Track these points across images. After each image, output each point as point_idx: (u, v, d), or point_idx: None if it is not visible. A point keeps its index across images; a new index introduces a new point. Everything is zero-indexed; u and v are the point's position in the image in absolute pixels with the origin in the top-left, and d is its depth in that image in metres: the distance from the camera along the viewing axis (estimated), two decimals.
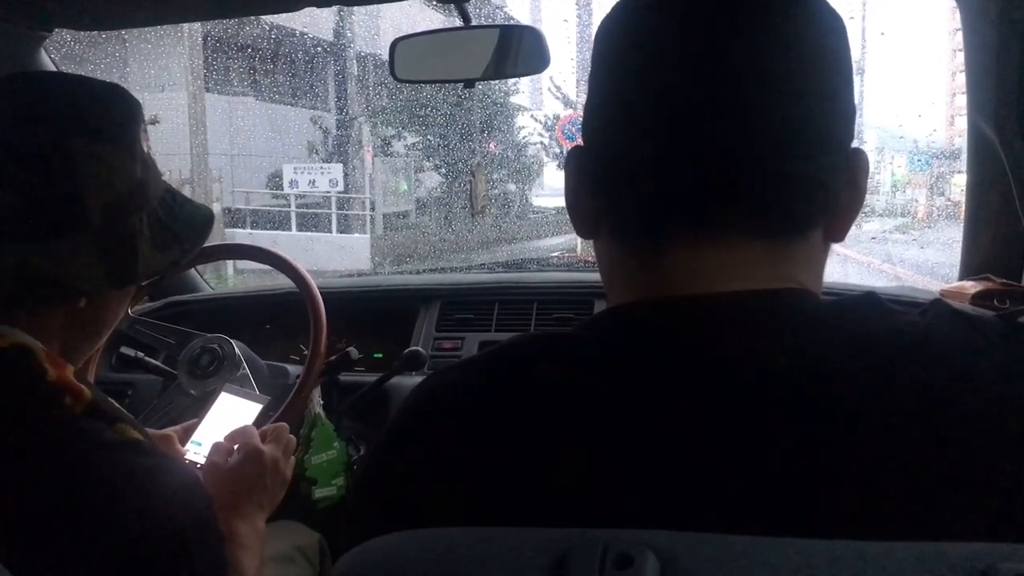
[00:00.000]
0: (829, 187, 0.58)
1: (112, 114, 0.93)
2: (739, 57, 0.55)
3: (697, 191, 0.56)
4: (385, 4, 1.42)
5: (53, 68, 1.55)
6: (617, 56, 0.61)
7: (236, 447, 1.24)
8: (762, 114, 0.55)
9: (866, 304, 0.56)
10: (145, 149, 0.96)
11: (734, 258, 0.57)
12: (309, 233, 12.95)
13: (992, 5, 1.26)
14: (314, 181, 13.11)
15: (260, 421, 1.41)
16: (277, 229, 13.10)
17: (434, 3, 1.42)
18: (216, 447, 1.25)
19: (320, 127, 15.10)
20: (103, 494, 0.83)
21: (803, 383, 0.50)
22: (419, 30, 1.48)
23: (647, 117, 0.57)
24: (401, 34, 1.44)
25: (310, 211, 13.81)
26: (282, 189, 13.38)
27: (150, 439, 0.93)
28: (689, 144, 0.56)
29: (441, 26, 1.53)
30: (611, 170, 0.60)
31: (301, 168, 13.34)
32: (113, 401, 0.92)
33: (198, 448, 1.35)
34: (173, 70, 12.36)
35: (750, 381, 0.51)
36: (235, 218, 13.26)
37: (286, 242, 11.42)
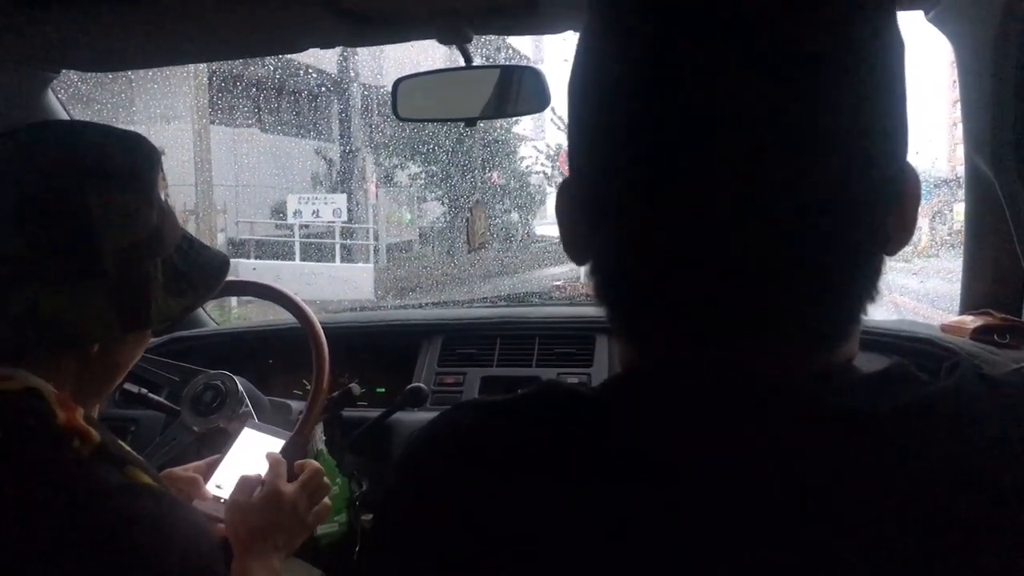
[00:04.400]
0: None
1: (129, 162, 0.94)
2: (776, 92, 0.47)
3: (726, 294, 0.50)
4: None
5: (60, 108, 1.58)
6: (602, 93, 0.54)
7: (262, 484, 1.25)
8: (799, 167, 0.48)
9: (896, 376, 0.52)
10: (162, 196, 0.98)
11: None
12: (312, 263, 12.98)
13: (986, 44, 1.28)
14: (318, 211, 13.15)
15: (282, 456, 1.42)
16: (281, 259, 13.13)
17: (436, 42, 1.45)
18: (242, 483, 1.25)
19: (324, 158, 15.18)
20: (107, 539, 0.82)
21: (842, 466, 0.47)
22: (421, 66, 1.50)
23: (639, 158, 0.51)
24: (403, 68, 1.46)
25: (314, 241, 13.86)
26: (286, 219, 13.43)
27: (161, 482, 0.93)
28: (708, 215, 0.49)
29: (443, 62, 1.55)
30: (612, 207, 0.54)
31: (305, 199, 13.40)
32: (124, 444, 0.93)
33: (220, 487, 1.36)
34: (179, 102, 12.46)
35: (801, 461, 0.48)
36: (239, 249, 13.30)
37: (289, 272, 11.44)
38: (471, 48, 1.42)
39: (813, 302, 0.51)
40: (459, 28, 1.34)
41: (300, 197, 13.38)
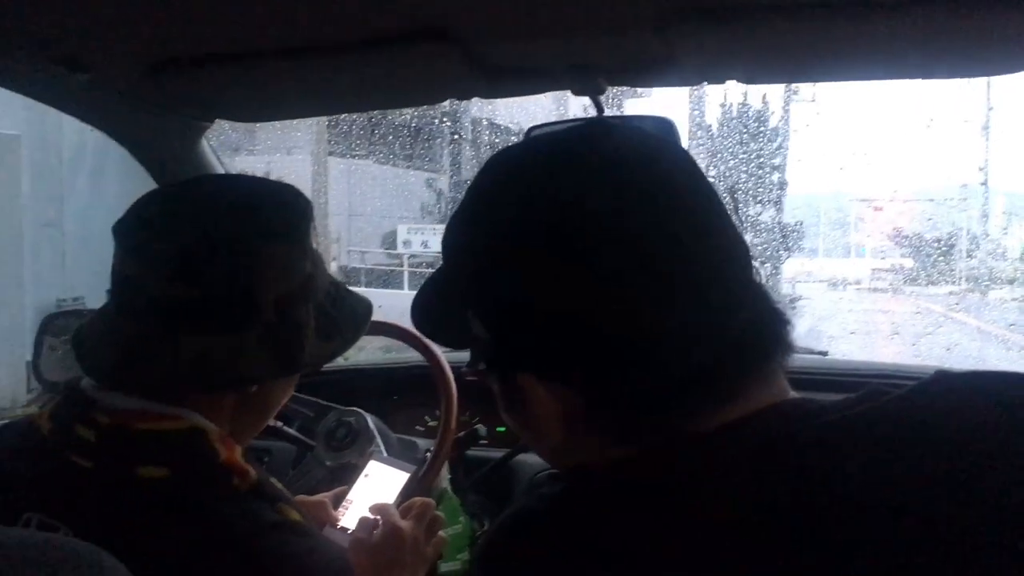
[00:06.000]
0: None
1: (286, 214, 1.00)
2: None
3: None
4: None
5: (213, 156, 1.66)
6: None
7: (380, 523, 1.28)
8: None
9: (866, 394, 0.59)
10: (314, 245, 1.02)
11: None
12: None
13: None
14: (427, 242, 13.41)
15: (407, 489, 1.45)
16: (390, 288, 13.39)
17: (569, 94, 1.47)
18: (362, 523, 1.29)
19: (434, 189, 15.46)
20: (260, 573, 0.88)
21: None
22: (528, 102, 1.52)
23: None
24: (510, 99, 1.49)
25: (423, 271, 14.11)
26: (396, 249, 13.70)
27: (308, 519, 0.98)
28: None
29: (550, 99, 1.58)
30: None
31: (415, 229, 13.67)
32: (275, 481, 0.97)
33: (348, 514, 1.41)
34: (299, 135, 12.90)
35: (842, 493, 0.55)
36: (351, 277, 13.64)
37: (399, 301, 11.63)
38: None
39: (762, 357, 0.63)
40: (594, 80, 1.36)
41: (409, 227, 13.65)
